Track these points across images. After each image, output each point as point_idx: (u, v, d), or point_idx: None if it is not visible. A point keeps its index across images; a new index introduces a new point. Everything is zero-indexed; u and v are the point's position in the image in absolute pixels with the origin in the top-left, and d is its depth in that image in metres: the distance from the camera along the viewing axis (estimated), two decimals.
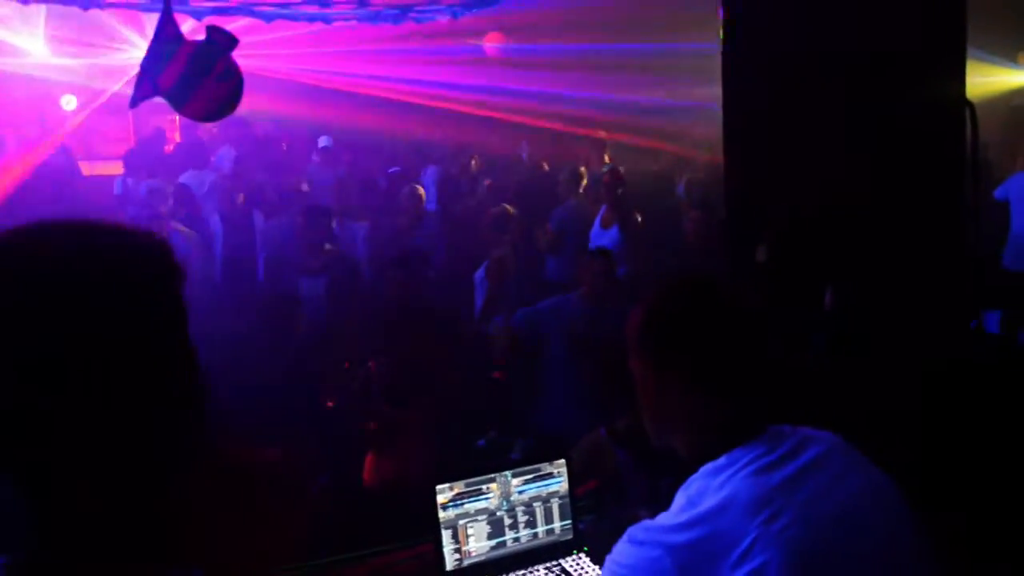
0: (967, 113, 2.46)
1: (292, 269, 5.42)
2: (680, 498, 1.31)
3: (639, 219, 5.84)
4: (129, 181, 7.92)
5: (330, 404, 3.52)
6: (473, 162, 8.36)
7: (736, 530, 1.21)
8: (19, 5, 7.80)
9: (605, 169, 6.76)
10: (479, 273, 5.10)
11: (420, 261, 4.88)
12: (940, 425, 2.26)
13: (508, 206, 5.85)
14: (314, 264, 5.28)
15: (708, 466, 1.33)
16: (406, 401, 3.42)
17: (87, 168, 9.11)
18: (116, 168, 8.80)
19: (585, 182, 6.69)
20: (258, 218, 6.48)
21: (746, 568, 1.18)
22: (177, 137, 10.40)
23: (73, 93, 11.62)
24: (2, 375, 0.77)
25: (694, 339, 1.39)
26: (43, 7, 8.61)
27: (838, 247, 2.35)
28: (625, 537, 1.31)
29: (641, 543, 1.26)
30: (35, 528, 0.81)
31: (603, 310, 4.06)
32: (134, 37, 9.62)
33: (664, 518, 1.29)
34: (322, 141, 9.13)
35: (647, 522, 1.31)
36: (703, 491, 1.29)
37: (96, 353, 0.79)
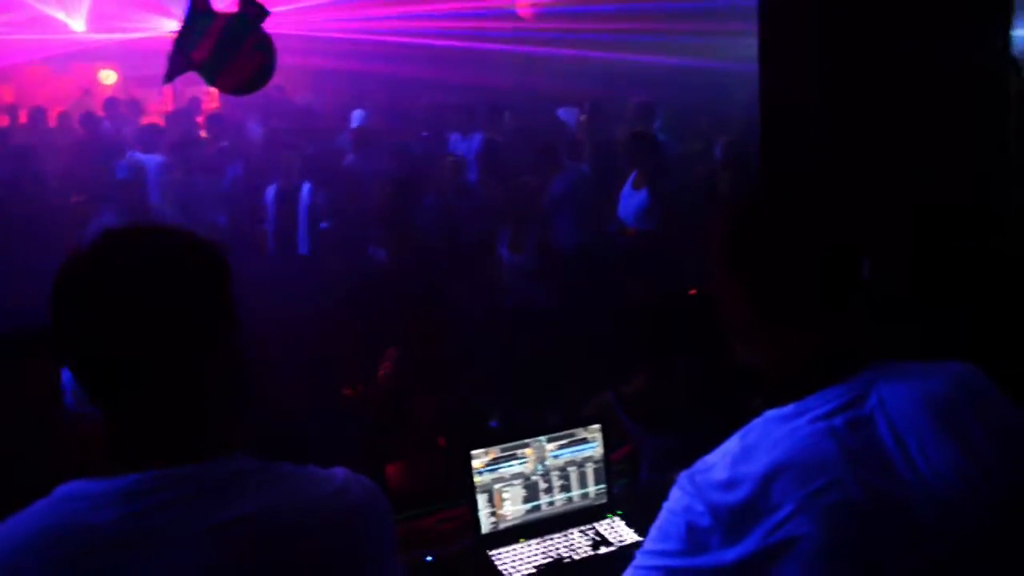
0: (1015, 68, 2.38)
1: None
2: (734, 445, 1.20)
3: (668, 182, 5.78)
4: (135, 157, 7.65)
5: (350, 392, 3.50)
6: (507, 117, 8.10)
7: (780, 496, 1.12)
8: None
9: (634, 130, 6.66)
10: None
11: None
12: None
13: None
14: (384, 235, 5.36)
15: (772, 412, 1.22)
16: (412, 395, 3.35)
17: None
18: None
19: None
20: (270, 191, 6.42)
21: (777, 537, 1.11)
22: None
23: (112, 68, 11.80)
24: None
25: (780, 254, 1.25)
26: None
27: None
28: (676, 482, 1.22)
29: (687, 493, 1.18)
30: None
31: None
32: (172, 12, 9.71)
33: (714, 469, 1.18)
34: (355, 119, 8.94)
35: (699, 468, 1.20)
36: (757, 443, 1.18)
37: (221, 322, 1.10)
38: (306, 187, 6.31)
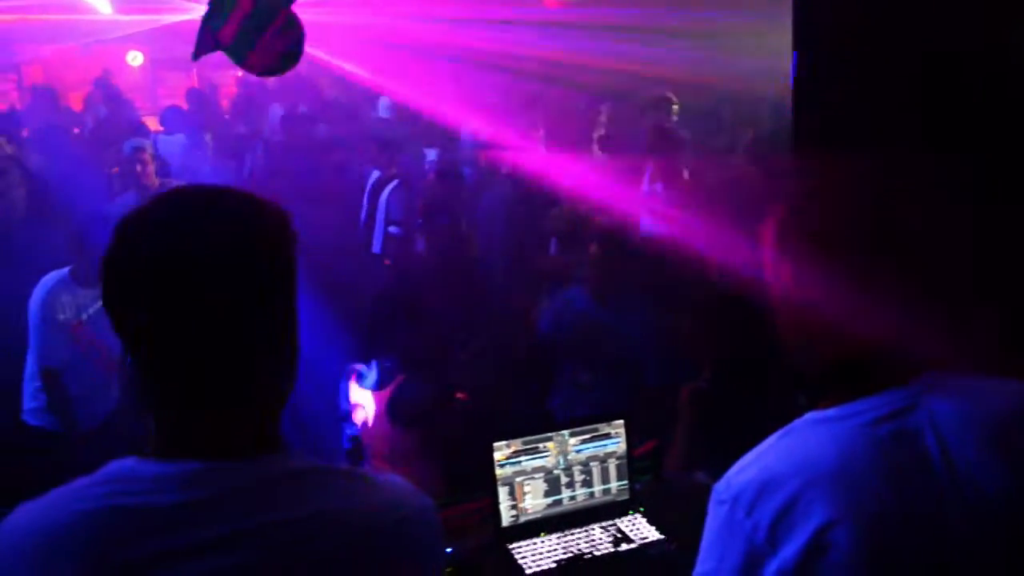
0: None
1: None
2: (774, 445, 1.17)
3: (685, 176, 5.71)
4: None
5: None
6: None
7: (820, 502, 1.09)
8: None
9: (648, 127, 6.59)
10: None
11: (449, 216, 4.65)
12: None
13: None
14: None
15: (815, 415, 1.18)
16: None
17: (154, 123, 9.24)
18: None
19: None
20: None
21: (815, 545, 1.08)
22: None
23: (139, 50, 11.82)
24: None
25: (828, 238, 1.19)
26: None
27: None
28: (713, 494, 1.18)
29: (724, 502, 1.15)
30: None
31: (606, 304, 3.63)
32: None
33: (751, 469, 1.15)
34: (383, 109, 8.93)
35: (735, 472, 1.17)
36: (798, 446, 1.15)
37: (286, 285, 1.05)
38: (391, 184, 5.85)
